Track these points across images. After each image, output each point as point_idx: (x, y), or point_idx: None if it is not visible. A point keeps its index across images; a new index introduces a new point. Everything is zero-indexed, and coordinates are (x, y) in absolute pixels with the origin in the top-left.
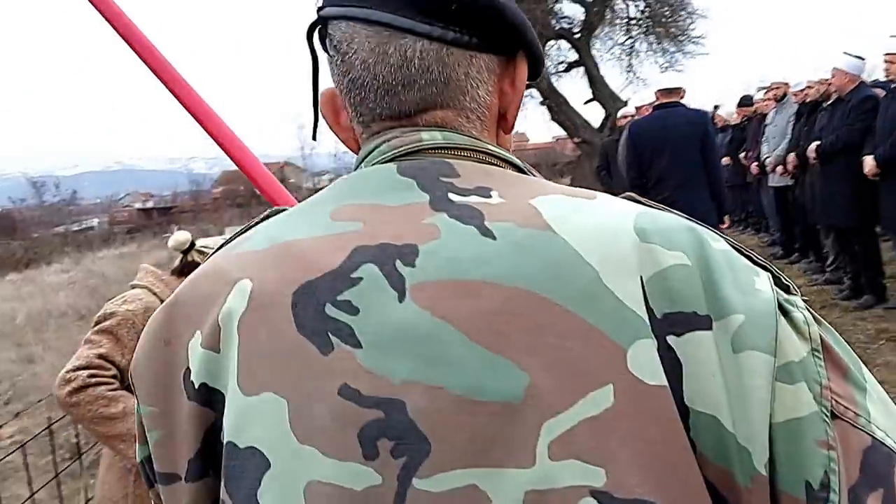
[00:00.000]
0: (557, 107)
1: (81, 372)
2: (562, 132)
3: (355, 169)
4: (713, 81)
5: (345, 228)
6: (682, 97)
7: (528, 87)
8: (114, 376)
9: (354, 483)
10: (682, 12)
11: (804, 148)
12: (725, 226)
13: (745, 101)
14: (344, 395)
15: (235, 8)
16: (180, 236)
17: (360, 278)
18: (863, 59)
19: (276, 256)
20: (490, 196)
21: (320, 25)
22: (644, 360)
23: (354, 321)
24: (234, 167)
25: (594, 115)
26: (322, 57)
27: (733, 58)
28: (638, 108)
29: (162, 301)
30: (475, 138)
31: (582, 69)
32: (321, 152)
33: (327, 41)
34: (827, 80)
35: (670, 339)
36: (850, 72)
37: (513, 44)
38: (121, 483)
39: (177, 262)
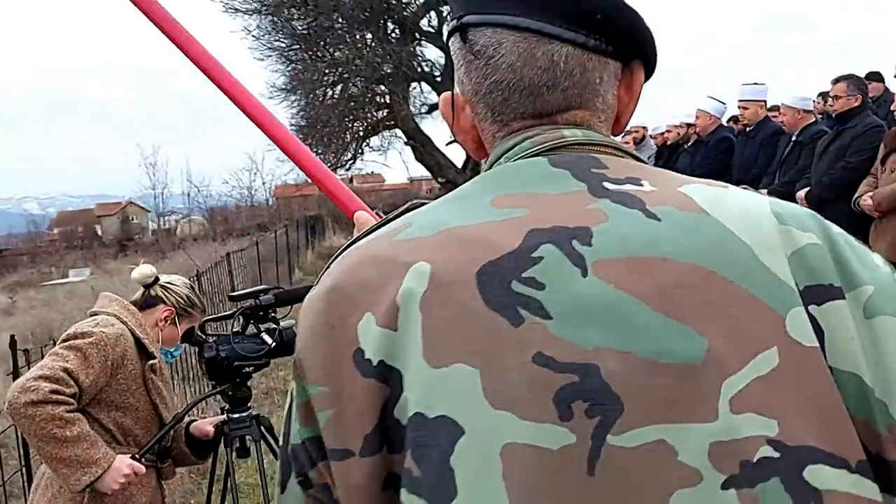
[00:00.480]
0: (422, 147)
1: (44, 385)
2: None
3: (490, 165)
4: None
5: (511, 214)
6: None
7: (392, 126)
8: (74, 395)
9: (551, 443)
10: None
11: None
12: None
13: None
14: (538, 362)
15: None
16: (146, 270)
17: (541, 257)
18: (724, 103)
19: (447, 241)
20: (642, 185)
21: (459, 32)
22: (799, 326)
23: (542, 295)
24: (70, 208)
25: (456, 155)
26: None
27: None
28: None
29: (131, 331)
30: (606, 136)
31: None
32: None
33: (466, 46)
34: (686, 123)
35: (811, 309)
36: (714, 114)
37: (635, 53)
38: None
39: (138, 295)
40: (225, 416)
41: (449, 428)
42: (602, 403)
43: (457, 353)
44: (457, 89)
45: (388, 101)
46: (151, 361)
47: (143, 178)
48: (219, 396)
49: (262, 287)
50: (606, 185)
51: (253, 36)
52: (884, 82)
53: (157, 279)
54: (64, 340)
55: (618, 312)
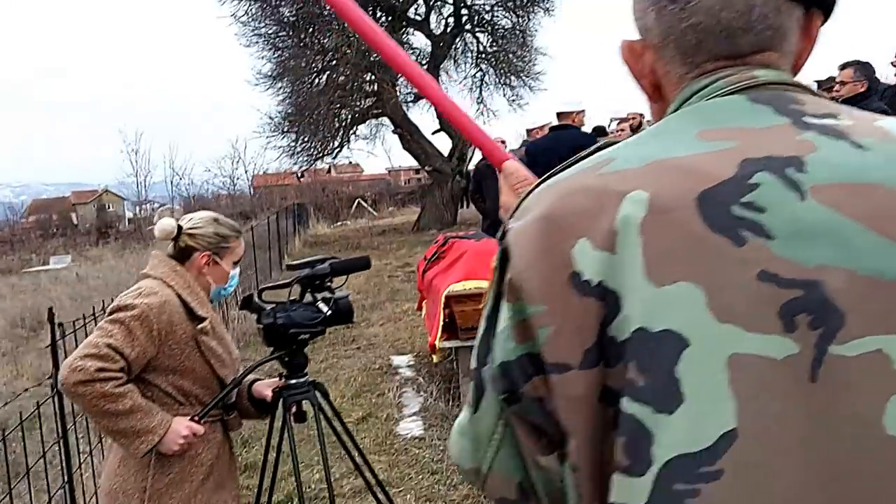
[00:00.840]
0: (409, 135)
1: (90, 363)
2: (397, 164)
3: (679, 105)
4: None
5: (722, 146)
6: (575, 120)
7: (380, 115)
8: (122, 369)
9: (775, 353)
10: (523, 49)
11: None
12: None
13: (599, 132)
14: (762, 279)
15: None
16: (165, 225)
17: (758, 184)
18: None
19: (660, 171)
20: (840, 119)
21: None
22: None
23: (763, 218)
24: (44, 195)
25: (443, 144)
26: None
27: (577, 92)
28: (529, 131)
29: (178, 294)
30: (792, 77)
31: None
32: (156, 180)
33: None
34: None
35: None
36: None
37: (816, 2)
38: (138, 477)
39: (170, 249)
40: (282, 381)
41: (673, 341)
42: (825, 316)
43: (679, 273)
44: (635, 36)
45: (375, 90)
46: (201, 325)
47: (124, 166)
48: (277, 363)
49: (318, 257)
50: (807, 119)
51: (240, 22)
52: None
53: (180, 229)
54: (110, 312)
55: (838, 233)
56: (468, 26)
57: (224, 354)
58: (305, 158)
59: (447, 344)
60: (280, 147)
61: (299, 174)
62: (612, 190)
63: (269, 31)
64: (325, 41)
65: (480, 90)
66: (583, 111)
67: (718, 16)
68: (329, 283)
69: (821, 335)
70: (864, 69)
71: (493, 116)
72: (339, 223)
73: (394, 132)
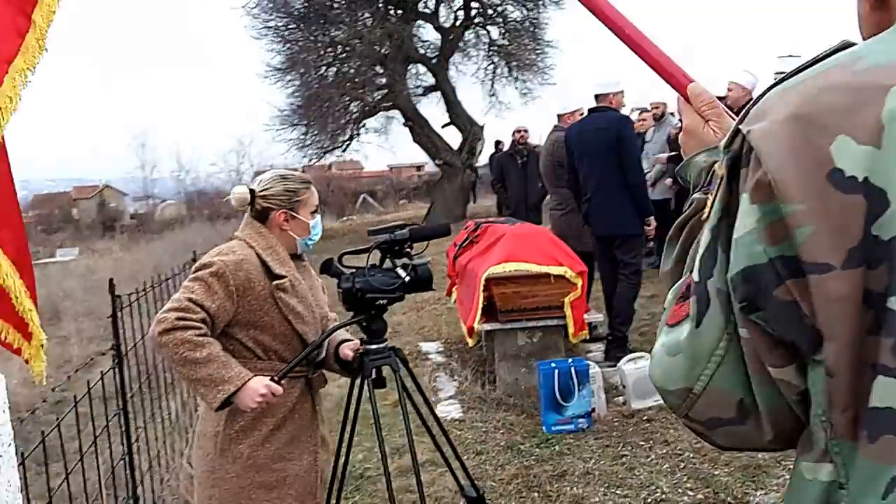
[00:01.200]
0: (420, 129)
1: (172, 314)
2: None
3: None
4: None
5: None
6: (613, 102)
7: (391, 107)
8: (202, 320)
9: None
10: (533, 43)
11: None
12: (650, 228)
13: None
14: None
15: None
16: (239, 192)
17: None
18: (756, 76)
19: None
20: None
21: None
22: None
23: None
24: (46, 191)
25: (453, 138)
26: None
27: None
28: (560, 116)
29: (258, 254)
30: None
31: (440, 93)
32: (164, 176)
33: None
34: (717, 96)
35: None
36: (746, 87)
37: None
38: (215, 421)
39: (248, 214)
40: (362, 346)
41: None
42: None
43: None
44: None
45: (386, 83)
46: (278, 281)
47: (128, 161)
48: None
49: (399, 223)
50: None
51: (252, 14)
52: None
53: (253, 193)
54: (193, 271)
55: None
56: (478, 19)
57: (304, 312)
58: (315, 151)
59: (486, 327)
60: (290, 140)
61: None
62: (873, 84)
63: (280, 24)
64: (336, 34)
65: (493, 83)
66: (621, 91)
67: None
68: (408, 250)
69: None
70: None
71: (506, 108)
72: (345, 218)
73: (404, 125)
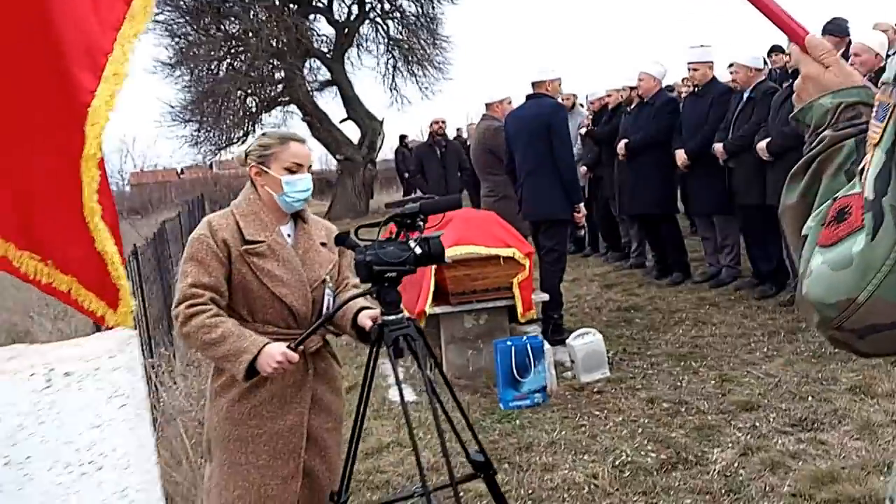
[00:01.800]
0: (319, 123)
1: (181, 307)
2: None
3: None
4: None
5: None
6: (549, 88)
7: (289, 102)
8: (210, 299)
9: None
10: (430, 37)
11: (613, 147)
12: (579, 214)
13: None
14: None
15: None
16: (238, 153)
17: None
18: (664, 67)
19: None
20: None
21: None
22: None
23: None
24: None
25: (352, 132)
26: None
27: (486, 79)
28: (489, 105)
29: (236, 220)
30: None
31: (337, 88)
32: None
33: None
34: (629, 86)
35: None
36: (657, 77)
37: None
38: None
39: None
40: (380, 318)
41: None
42: None
43: None
44: None
45: (283, 77)
46: (248, 246)
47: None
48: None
49: (413, 196)
50: None
51: None
52: (785, 53)
53: (246, 154)
54: (185, 254)
55: None
56: (373, 14)
57: (285, 275)
58: (209, 147)
59: (437, 310)
60: (182, 136)
61: (180, 170)
62: None
63: (167, 18)
64: (230, 27)
65: (393, 77)
66: (558, 79)
67: None
68: (420, 224)
69: None
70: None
71: (408, 103)
72: None
73: (303, 120)
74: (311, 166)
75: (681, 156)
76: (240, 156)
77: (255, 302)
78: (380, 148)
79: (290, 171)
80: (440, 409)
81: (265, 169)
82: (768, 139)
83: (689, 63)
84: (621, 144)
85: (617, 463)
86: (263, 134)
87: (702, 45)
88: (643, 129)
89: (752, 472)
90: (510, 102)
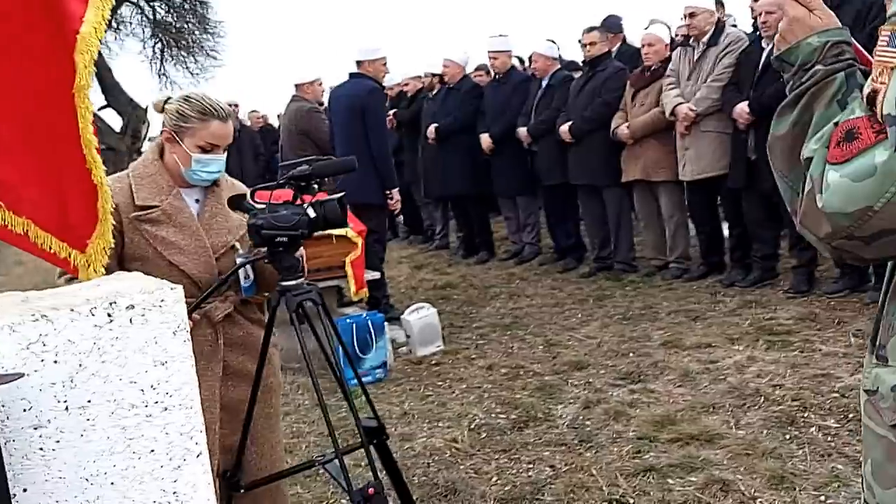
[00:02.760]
0: None
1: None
2: None
3: None
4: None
5: None
6: (370, 70)
7: None
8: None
9: None
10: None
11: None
12: (393, 200)
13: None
14: None
15: None
16: (158, 100)
17: None
18: (467, 54)
19: None
20: None
21: None
22: None
23: None
24: None
25: (114, 120)
26: None
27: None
28: (298, 86)
29: (130, 183)
30: None
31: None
32: None
33: None
34: (431, 73)
35: None
36: (461, 63)
37: None
38: None
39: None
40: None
41: None
42: None
43: None
44: None
45: None
46: (137, 213)
47: None
48: None
49: (310, 157)
50: None
51: None
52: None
53: (165, 103)
54: None
55: None
56: None
57: (183, 242)
58: None
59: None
60: None
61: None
62: None
63: None
64: None
65: (161, 62)
66: (381, 59)
67: None
68: (315, 186)
69: None
70: (607, 31)
71: (179, 89)
72: None
73: None
74: (228, 147)
75: (486, 140)
76: (158, 102)
77: (153, 272)
78: (145, 136)
79: (204, 150)
80: (335, 377)
81: (178, 140)
82: (570, 123)
83: (490, 52)
84: (431, 129)
85: (472, 426)
86: (188, 98)
87: (500, 35)
88: (451, 114)
89: (598, 423)
90: (321, 84)
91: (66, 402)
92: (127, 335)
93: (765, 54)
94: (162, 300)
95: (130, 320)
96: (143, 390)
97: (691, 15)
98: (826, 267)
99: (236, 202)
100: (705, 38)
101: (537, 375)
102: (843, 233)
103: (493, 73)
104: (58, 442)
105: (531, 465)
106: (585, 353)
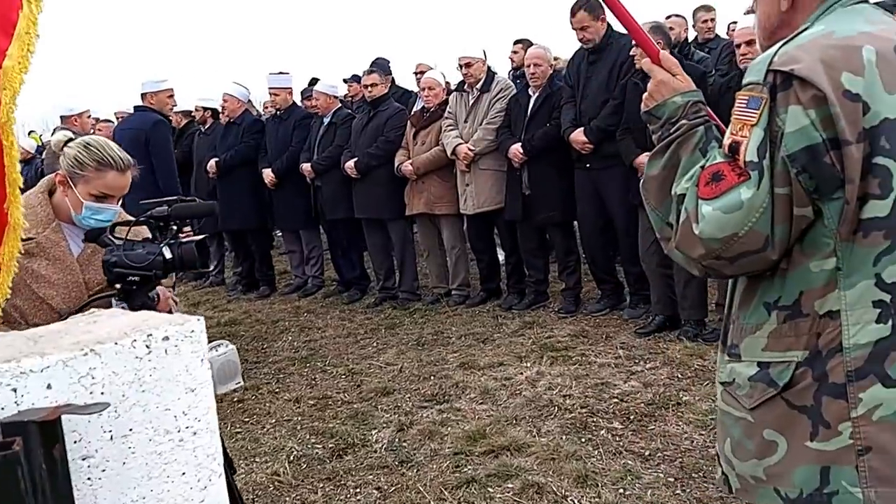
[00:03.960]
0: None
1: None
2: None
3: (826, 10)
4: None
5: (882, 26)
6: (153, 102)
7: None
8: None
9: None
10: None
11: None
12: (188, 230)
13: None
14: None
15: None
16: (60, 138)
17: None
18: (247, 88)
19: (867, 37)
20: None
21: None
22: None
23: None
24: None
25: None
26: None
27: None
28: (64, 118)
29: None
30: None
31: None
32: None
33: None
34: (202, 107)
35: None
36: (241, 98)
37: None
38: None
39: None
40: None
41: None
42: None
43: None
44: None
45: None
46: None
47: None
48: None
49: (171, 198)
50: (888, 17)
51: None
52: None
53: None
54: None
55: None
56: None
57: (55, 276)
58: None
59: None
60: None
61: None
62: (852, 45)
63: None
64: None
65: None
66: (167, 91)
67: None
68: (174, 227)
69: None
70: (383, 72)
71: None
72: None
73: None
74: (122, 198)
75: (268, 174)
76: (58, 140)
77: (24, 304)
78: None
79: (97, 199)
80: None
81: (72, 185)
82: (355, 159)
83: (270, 88)
84: (211, 163)
85: (291, 458)
86: (87, 145)
87: (280, 73)
88: (232, 148)
89: (414, 443)
90: (90, 115)
91: (111, 431)
92: (163, 365)
93: (532, 101)
94: (192, 331)
95: (166, 351)
96: (176, 416)
97: (467, 65)
98: (588, 289)
99: (93, 235)
100: (479, 85)
101: (346, 404)
102: (713, 254)
103: (274, 110)
104: (103, 471)
105: (358, 490)
106: (389, 379)
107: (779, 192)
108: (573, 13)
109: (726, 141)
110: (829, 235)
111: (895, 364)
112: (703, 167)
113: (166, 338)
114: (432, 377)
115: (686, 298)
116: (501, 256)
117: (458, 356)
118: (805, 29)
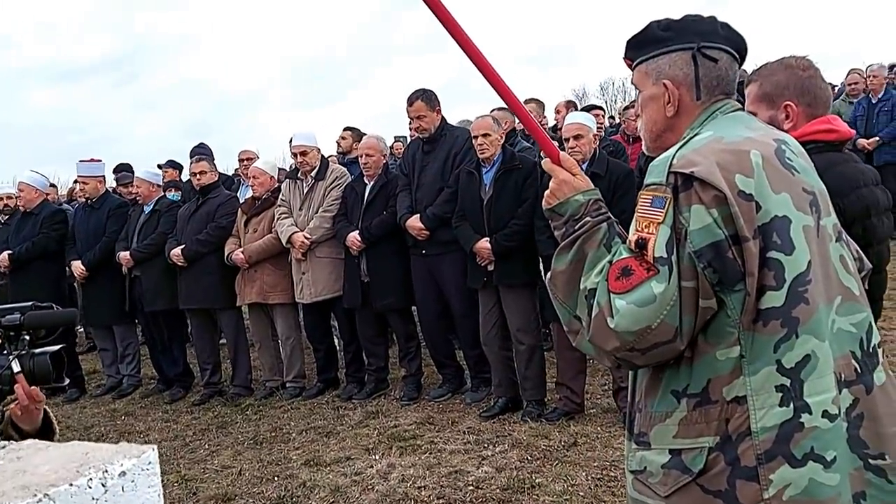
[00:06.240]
0: None
1: None
2: None
3: (708, 116)
4: None
5: (760, 133)
6: None
7: None
8: None
9: (812, 223)
10: None
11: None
12: None
13: None
14: (805, 190)
15: None
16: None
17: (783, 149)
18: (46, 176)
19: (752, 142)
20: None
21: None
22: None
23: (793, 164)
24: None
25: None
26: None
27: None
28: None
29: None
30: None
31: None
32: None
33: (705, 58)
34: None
35: None
36: (38, 187)
37: None
38: None
39: None
40: None
41: (786, 220)
42: (818, 207)
43: (782, 188)
44: (669, 83)
45: None
46: None
47: None
48: None
49: (25, 304)
50: (765, 126)
51: None
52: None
53: None
54: None
55: (812, 173)
56: None
57: None
58: None
59: None
60: None
61: None
62: (742, 150)
63: None
64: None
65: None
66: None
67: (727, 72)
68: (25, 338)
69: (819, 215)
70: (210, 159)
71: None
72: None
73: None
74: None
75: (77, 267)
76: None
77: None
78: None
79: None
80: None
81: None
82: (182, 246)
83: (79, 176)
84: (3, 255)
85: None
86: None
87: (92, 160)
88: (28, 239)
89: None
90: None
91: None
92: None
93: (367, 189)
94: (149, 462)
95: (122, 488)
96: None
97: (303, 153)
98: (427, 373)
99: None
100: (313, 173)
101: None
102: (627, 346)
103: (86, 199)
104: None
105: None
106: (228, 484)
107: (685, 285)
108: (410, 102)
109: (632, 237)
110: (732, 325)
111: (799, 445)
112: (610, 262)
113: (123, 473)
114: (276, 478)
115: (528, 380)
116: (339, 345)
117: (302, 453)
118: (696, 134)
